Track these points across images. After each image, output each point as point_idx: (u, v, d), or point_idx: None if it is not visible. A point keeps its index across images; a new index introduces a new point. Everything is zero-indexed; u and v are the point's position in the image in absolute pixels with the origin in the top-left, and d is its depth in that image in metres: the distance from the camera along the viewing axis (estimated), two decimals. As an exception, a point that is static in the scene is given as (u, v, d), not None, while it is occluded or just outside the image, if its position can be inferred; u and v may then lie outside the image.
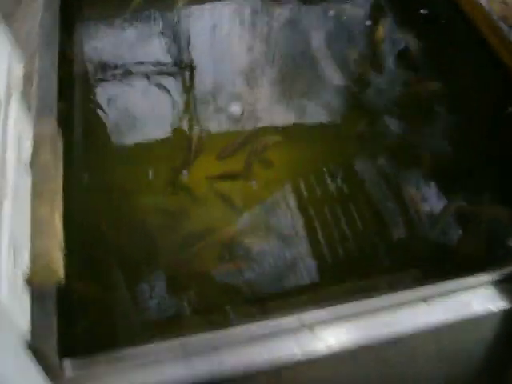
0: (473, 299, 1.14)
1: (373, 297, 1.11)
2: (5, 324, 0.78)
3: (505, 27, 1.62)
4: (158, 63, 1.86)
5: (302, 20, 2.01)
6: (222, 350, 1.01)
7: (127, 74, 1.83)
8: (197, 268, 1.33)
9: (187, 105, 1.73)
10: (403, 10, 2.02)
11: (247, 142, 1.59)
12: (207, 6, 2.06)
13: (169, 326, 1.23)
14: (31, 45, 1.60)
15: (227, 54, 1.91)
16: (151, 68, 1.84)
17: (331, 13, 2.02)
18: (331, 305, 1.09)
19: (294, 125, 1.69)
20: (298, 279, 1.33)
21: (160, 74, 1.83)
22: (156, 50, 1.90)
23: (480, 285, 1.15)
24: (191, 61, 1.87)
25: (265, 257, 1.36)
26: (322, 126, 1.70)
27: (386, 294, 1.12)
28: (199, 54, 1.90)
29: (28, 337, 0.90)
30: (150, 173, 1.52)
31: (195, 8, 2.04)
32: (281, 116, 1.71)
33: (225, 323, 1.19)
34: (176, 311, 1.25)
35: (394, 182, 1.54)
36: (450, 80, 1.78)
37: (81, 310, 1.19)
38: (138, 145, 1.62)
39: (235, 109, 1.69)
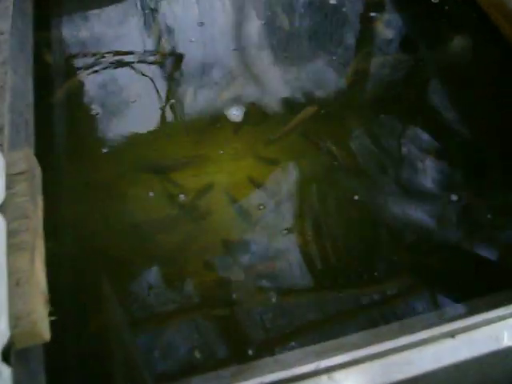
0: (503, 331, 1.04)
1: (396, 337, 1.01)
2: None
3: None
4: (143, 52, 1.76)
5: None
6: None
7: (112, 66, 1.71)
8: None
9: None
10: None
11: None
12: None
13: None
14: (2, 50, 1.45)
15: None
16: (136, 58, 1.74)
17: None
18: (350, 348, 0.99)
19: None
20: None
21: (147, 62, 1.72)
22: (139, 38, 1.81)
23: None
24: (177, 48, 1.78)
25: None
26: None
27: (409, 333, 1.02)
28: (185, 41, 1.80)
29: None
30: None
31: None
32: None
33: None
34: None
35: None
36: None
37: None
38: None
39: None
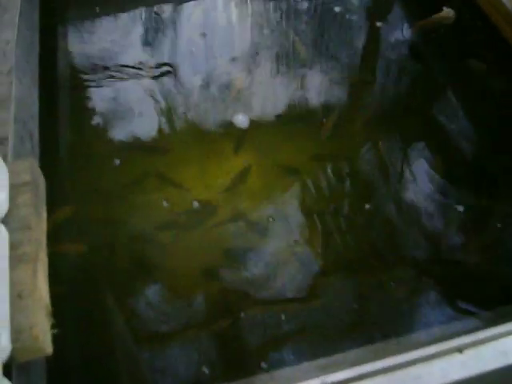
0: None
1: (404, 352, 0.99)
2: None
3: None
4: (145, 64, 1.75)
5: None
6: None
7: (117, 77, 1.71)
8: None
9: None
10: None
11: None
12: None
13: None
14: (8, 59, 1.45)
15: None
16: (140, 68, 1.73)
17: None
18: (356, 363, 0.97)
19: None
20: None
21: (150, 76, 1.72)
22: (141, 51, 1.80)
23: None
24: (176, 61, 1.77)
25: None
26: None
27: (417, 348, 1.00)
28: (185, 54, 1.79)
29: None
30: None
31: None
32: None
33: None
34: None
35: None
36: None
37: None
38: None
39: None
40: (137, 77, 1.71)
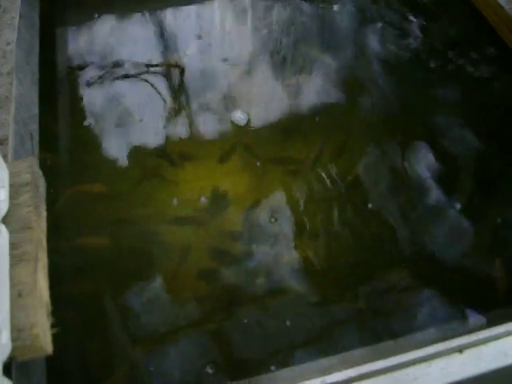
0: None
1: (403, 352, 0.99)
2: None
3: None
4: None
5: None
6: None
7: (117, 78, 1.71)
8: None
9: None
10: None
11: None
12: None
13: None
14: (9, 60, 1.45)
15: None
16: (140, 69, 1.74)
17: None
18: (355, 364, 0.98)
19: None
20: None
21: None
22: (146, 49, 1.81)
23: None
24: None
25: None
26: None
27: (417, 348, 1.00)
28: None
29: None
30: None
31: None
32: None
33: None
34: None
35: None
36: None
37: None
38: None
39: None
40: (136, 77, 1.72)
